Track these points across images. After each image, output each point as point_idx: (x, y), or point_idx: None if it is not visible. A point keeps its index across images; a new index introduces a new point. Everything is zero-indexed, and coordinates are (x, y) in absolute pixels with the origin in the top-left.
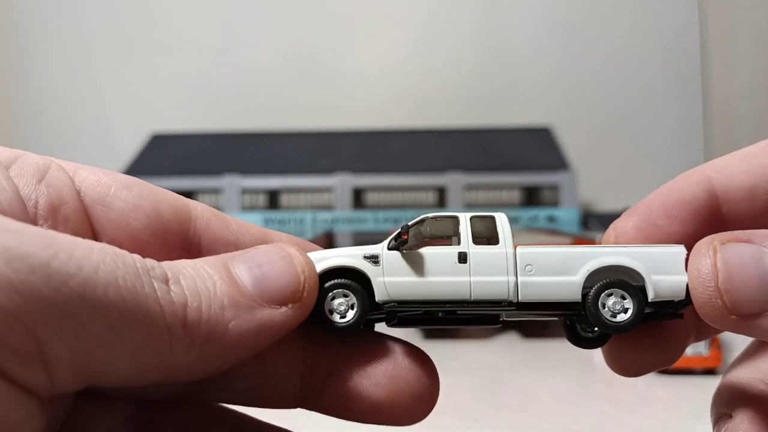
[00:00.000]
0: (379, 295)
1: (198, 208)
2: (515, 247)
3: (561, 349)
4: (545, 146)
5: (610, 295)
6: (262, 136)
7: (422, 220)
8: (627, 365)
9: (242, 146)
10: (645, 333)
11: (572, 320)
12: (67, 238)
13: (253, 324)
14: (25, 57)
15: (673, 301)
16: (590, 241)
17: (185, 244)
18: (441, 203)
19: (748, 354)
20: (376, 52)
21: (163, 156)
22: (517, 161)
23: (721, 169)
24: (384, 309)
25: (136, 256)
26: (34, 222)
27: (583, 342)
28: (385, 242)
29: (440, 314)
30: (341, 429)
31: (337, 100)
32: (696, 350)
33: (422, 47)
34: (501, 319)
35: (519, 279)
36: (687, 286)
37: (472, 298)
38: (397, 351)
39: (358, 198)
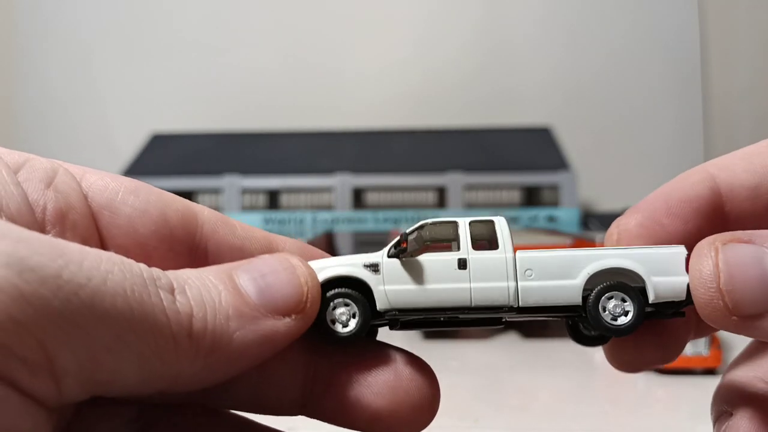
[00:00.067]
0: (381, 304)
1: (204, 212)
2: (515, 252)
3: (561, 349)
4: (545, 146)
5: (610, 298)
6: (262, 136)
7: (421, 227)
8: (627, 362)
9: (242, 146)
10: (645, 330)
11: (574, 320)
12: (76, 247)
13: (257, 334)
14: (25, 57)
15: (673, 301)
16: (590, 241)
17: (192, 249)
18: (441, 203)
19: (749, 352)
20: (376, 52)
21: (163, 156)
22: (517, 161)
23: (724, 167)
24: (386, 317)
25: (143, 266)
26: (42, 228)
27: (586, 340)
28: (385, 250)
29: (442, 318)
30: None
31: (337, 100)
32: (696, 350)
33: (422, 47)
34: (503, 320)
35: (519, 284)
36: (688, 286)
37: (472, 305)
38: (398, 360)
39: (358, 198)
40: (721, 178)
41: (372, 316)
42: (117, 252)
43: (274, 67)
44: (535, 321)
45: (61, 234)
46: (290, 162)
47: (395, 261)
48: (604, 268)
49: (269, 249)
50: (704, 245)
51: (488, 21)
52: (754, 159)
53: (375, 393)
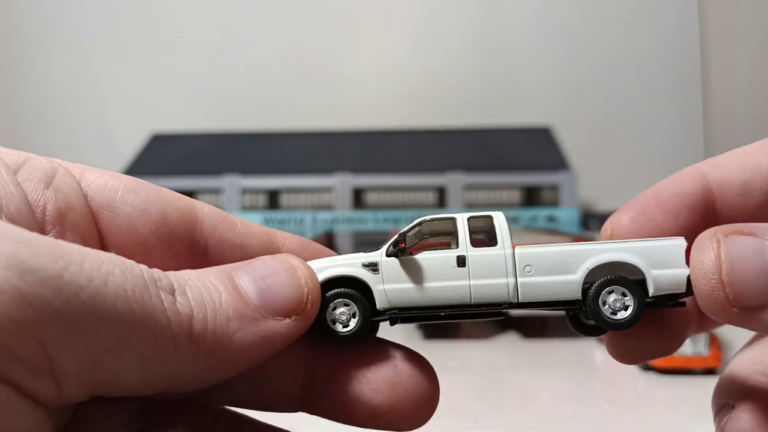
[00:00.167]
0: (380, 303)
1: (204, 209)
2: (514, 248)
3: (561, 349)
4: (545, 146)
5: (611, 292)
6: (262, 136)
7: (419, 224)
8: (628, 353)
9: (242, 146)
10: (646, 321)
11: (574, 311)
12: (77, 248)
13: (257, 336)
14: (25, 57)
15: (674, 293)
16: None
17: (191, 247)
18: (441, 203)
19: (751, 346)
20: (376, 52)
21: (163, 156)
22: (517, 161)
23: (716, 165)
24: (386, 316)
25: (144, 267)
26: (41, 228)
27: (587, 329)
28: (383, 249)
29: (443, 314)
30: None
31: (337, 100)
32: (696, 350)
33: (422, 47)
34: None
35: (519, 280)
36: (688, 278)
37: (472, 302)
38: (398, 357)
39: (358, 198)
40: (713, 175)
41: (372, 314)
42: (117, 251)
43: (274, 67)
44: (535, 321)
45: (61, 234)
46: (290, 162)
47: (394, 260)
48: (603, 262)
49: (269, 245)
50: (706, 237)
51: (488, 21)
52: (746, 158)
53: (374, 389)
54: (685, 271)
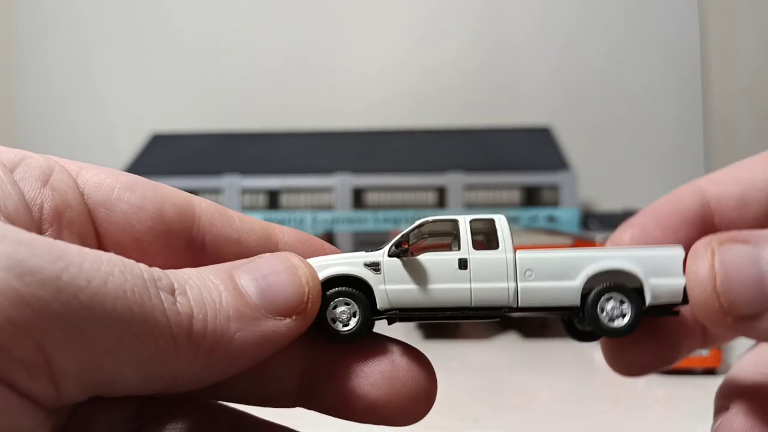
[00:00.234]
0: (381, 303)
1: (202, 205)
2: (515, 251)
3: (561, 349)
4: (545, 146)
5: (609, 299)
6: (262, 136)
7: (421, 225)
8: (624, 363)
9: (242, 146)
10: (642, 331)
11: (569, 316)
12: (76, 249)
13: (257, 335)
14: (25, 57)
15: (670, 303)
16: (590, 241)
17: (189, 243)
18: (441, 203)
19: (756, 348)
20: (376, 52)
21: (163, 156)
22: (517, 161)
23: (714, 181)
24: (386, 316)
25: (143, 266)
26: (39, 227)
27: (581, 335)
28: (385, 249)
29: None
30: (341, 428)
31: (337, 100)
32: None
33: (422, 47)
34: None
35: (519, 284)
36: (685, 287)
37: (472, 305)
38: (395, 352)
39: (358, 198)
40: (711, 191)
41: (372, 314)
42: (114, 248)
43: (274, 67)
44: (535, 321)
45: (58, 232)
46: (290, 162)
47: (396, 260)
48: (603, 269)
49: (267, 240)
50: (700, 246)
51: (488, 21)
52: (743, 171)
53: (371, 383)
54: (682, 281)
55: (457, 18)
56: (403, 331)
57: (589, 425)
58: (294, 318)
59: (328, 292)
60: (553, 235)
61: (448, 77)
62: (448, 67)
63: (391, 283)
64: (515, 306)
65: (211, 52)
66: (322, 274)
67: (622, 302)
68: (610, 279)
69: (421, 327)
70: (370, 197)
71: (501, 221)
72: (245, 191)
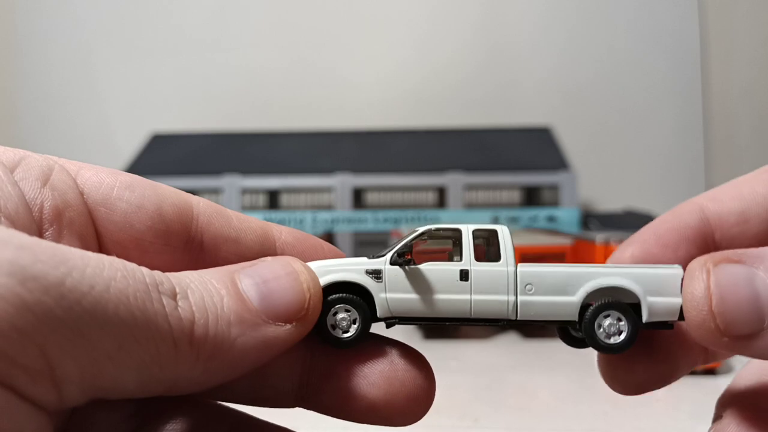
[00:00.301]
0: (381, 311)
1: (200, 204)
2: (516, 264)
3: (561, 349)
4: (545, 146)
5: (607, 316)
6: (262, 136)
7: (423, 233)
8: (621, 381)
9: (242, 146)
10: (640, 350)
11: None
12: (78, 253)
13: (258, 341)
14: (25, 57)
15: (666, 321)
16: (590, 242)
17: (187, 242)
18: (441, 203)
19: (752, 360)
20: (376, 52)
21: (164, 156)
22: (517, 161)
23: (714, 197)
24: (386, 323)
25: (145, 270)
26: (39, 227)
27: (575, 342)
28: (387, 256)
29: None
30: (341, 428)
31: (337, 100)
32: None
33: (422, 47)
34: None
35: (519, 298)
36: (681, 306)
37: (472, 316)
38: (394, 352)
39: (358, 198)
40: (710, 208)
41: (372, 320)
42: (113, 248)
43: (274, 66)
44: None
45: (59, 231)
46: (290, 162)
47: (398, 269)
48: (602, 286)
49: (265, 239)
50: (696, 267)
51: (488, 21)
52: (743, 187)
53: (370, 383)
54: (679, 300)
55: (457, 18)
56: (402, 331)
57: (589, 425)
58: (294, 324)
59: (329, 298)
60: (553, 235)
61: (448, 77)
62: (448, 67)
63: (392, 291)
64: (514, 318)
65: (211, 52)
66: (324, 280)
67: (619, 319)
68: (609, 295)
69: (421, 327)
70: (370, 197)
71: (504, 232)
72: (245, 191)
